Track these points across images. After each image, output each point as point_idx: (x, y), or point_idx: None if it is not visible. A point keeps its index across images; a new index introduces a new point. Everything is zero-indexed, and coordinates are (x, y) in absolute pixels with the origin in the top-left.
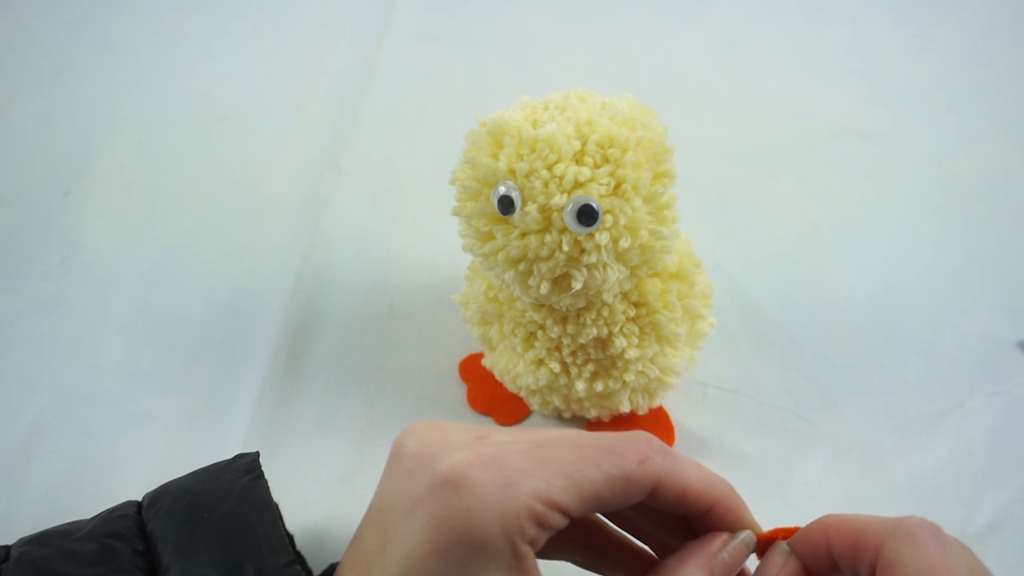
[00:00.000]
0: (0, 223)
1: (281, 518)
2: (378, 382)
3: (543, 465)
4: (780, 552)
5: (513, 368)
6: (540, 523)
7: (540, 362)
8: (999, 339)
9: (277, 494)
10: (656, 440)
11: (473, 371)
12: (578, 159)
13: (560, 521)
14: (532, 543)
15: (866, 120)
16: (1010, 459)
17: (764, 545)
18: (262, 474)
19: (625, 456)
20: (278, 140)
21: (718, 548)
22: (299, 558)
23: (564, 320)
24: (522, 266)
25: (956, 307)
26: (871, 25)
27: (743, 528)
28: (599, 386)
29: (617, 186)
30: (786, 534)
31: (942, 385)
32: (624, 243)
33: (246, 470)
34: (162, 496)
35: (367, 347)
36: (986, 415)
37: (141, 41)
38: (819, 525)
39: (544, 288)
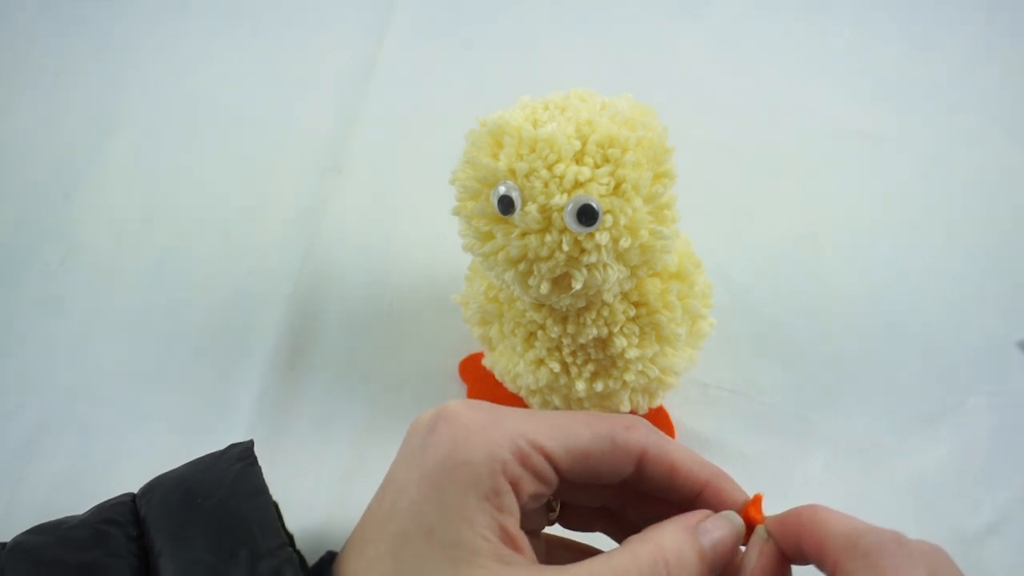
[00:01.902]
0: (0, 223)
1: (277, 506)
2: (378, 382)
3: (531, 416)
4: (758, 538)
5: (513, 368)
6: (523, 461)
7: (540, 362)
8: (999, 339)
9: (277, 494)
10: (646, 420)
11: (473, 371)
12: (578, 159)
13: (544, 467)
14: (514, 485)
15: (867, 120)
16: (1010, 459)
17: (750, 527)
18: (256, 461)
19: (613, 421)
20: (278, 140)
21: (700, 517)
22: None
23: (564, 320)
24: (522, 266)
25: (956, 307)
26: (871, 25)
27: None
28: (599, 386)
29: (617, 186)
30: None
31: (942, 385)
32: (624, 243)
33: (239, 458)
34: (156, 486)
35: (367, 347)
36: (986, 415)
37: (141, 41)
38: (794, 517)
39: (544, 288)
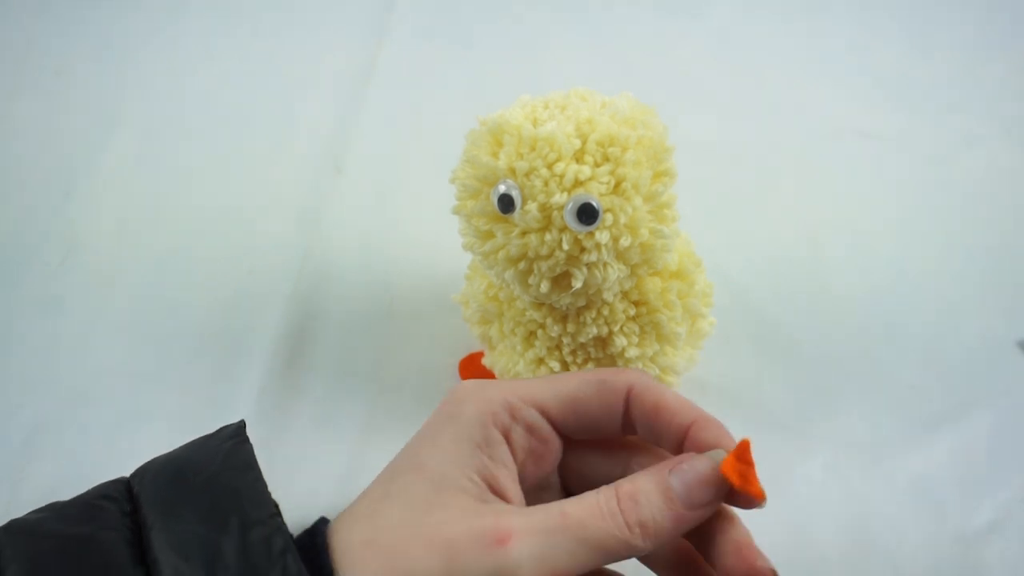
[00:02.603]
0: (0, 223)
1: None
2: (378, 382)
3: (526, 380)
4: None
5: (513, 367)
6: (513, 413)
7: (540, 361)
8: (999, 339)
9: (277, 494)
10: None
11: (473, 370)
12: (578, 158)
13: (536, 418)
14: (505, 434)
15: (867, 120)
16: (1010, 459)
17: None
18: (247, 439)
19: (603, 371)
20: (278, 140)
21: (679, 460)
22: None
23: (564, 319)
24: (522, 265)
25: (956, 307)
26: (872, 25)
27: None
28: None
29: (617, 185)
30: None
31: (942, 385)
32: (624, 242)
33: (230, 436)
34: (150, 466)
35: (367, 347)
36: (986, 415)
37: (141, 41)
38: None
39: (544, 287)
